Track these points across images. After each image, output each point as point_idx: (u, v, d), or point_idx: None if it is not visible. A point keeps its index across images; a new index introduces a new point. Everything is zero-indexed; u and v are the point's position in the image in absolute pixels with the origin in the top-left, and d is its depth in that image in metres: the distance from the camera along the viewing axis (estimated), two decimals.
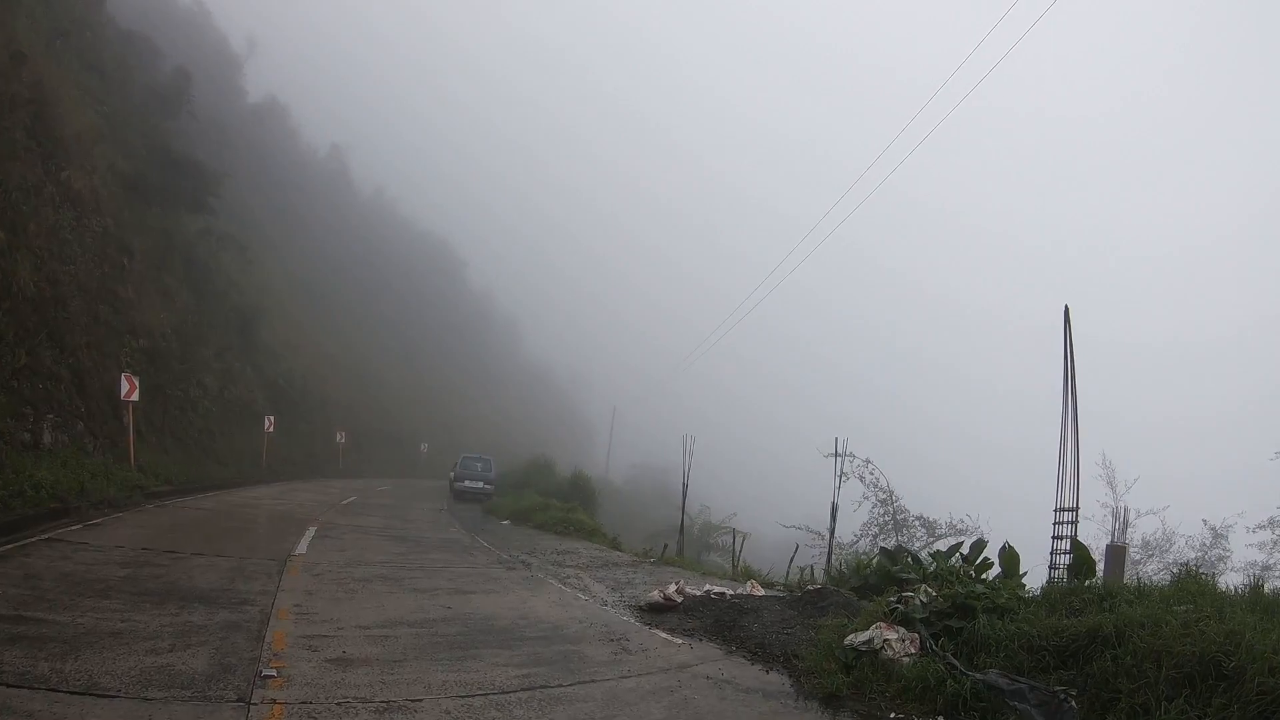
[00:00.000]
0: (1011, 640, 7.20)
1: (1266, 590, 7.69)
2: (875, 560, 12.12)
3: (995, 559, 10.07)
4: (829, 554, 18.15)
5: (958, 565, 9.95)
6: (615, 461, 64.63)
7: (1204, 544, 17.64)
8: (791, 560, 17.42)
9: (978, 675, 6.82)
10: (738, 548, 19.87)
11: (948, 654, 7.27)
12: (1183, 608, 6.75)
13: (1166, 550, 18.55)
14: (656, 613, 10.23)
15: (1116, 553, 11.20)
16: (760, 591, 11.38)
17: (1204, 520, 17.99)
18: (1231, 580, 12.19)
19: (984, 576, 9.50)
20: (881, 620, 7.93)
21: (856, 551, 19.26)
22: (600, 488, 36.12)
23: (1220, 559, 17.50)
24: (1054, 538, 9.42)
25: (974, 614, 7.62)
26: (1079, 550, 9.20)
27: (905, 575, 10.05)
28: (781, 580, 14.21)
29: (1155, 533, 19.30)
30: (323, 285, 61.37)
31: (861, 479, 21.35)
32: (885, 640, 7.58)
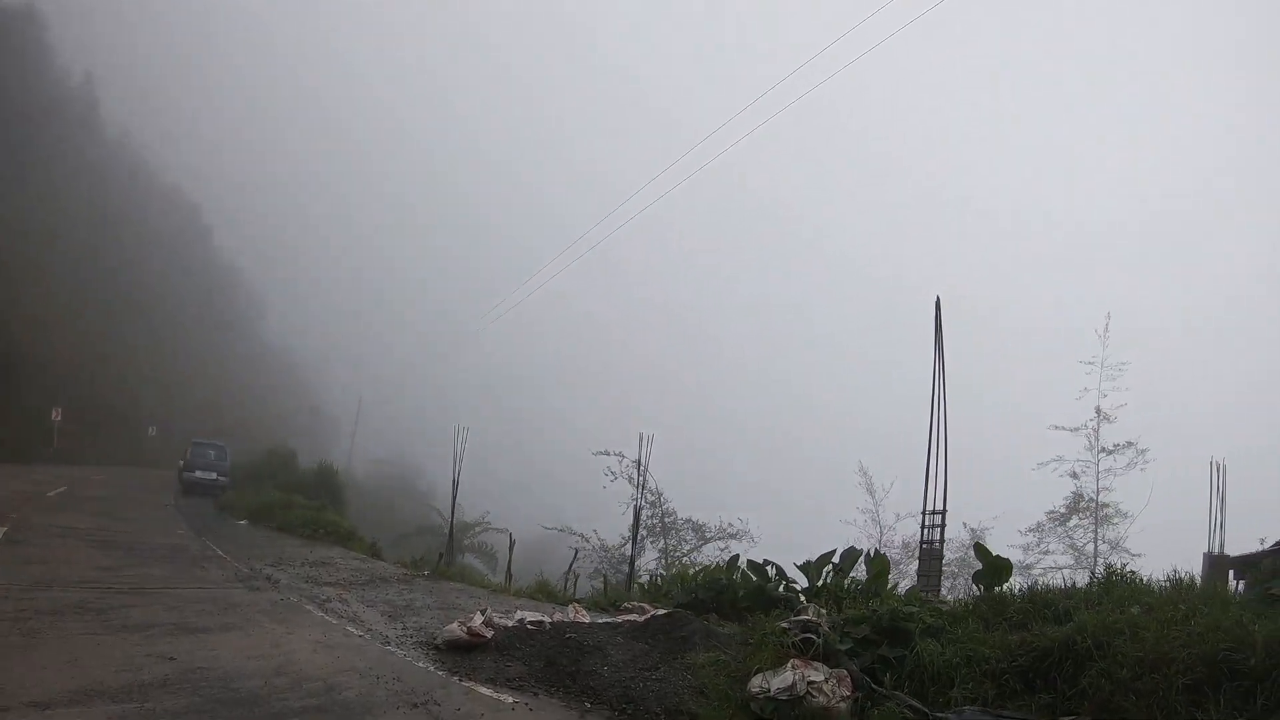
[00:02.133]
0: (964, 667, 5.74)
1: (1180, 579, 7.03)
2: (702, 573, 10.28)
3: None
4: (632, 564, 16.07)
5: (850, 582, 8.40)
6: (360, 454, 56.19)
7: (963, 545, 18.21)
8: (570, 568, 15.17)
9: (950, 717, 5.16)
10: (505, 553, 16.66)
11: (903, 695, 5.57)
12: (1137, 608, 5.99)
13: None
14: (461, 653, 7.42)
15: (925, 553, 10.40)
16: (586, 617, 8.80)
17: (964, 523, 18.65)
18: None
19: (879, 590, 8.05)
20: (793, 655, 5.97)
21: (625, 555, 17.48)
22: (344, 482, 30.54)
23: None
24: (923, 542, 8.31)
25: (910, 639, 6.01)
26: (987, 556, 8.13)
27: (781, 593, 8.28)
28: (561, 588, 12.37)
29: (913, 535, 19.57)
30: (47, 236, 47.19)
31: (630, 480, 19.45)
32: (810, 684, 5.64)
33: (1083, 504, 18.19)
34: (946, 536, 16.41)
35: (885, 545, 18.00)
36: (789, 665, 5.87)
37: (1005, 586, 7.38)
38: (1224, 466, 14.81)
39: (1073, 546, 18.05)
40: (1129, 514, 17.73)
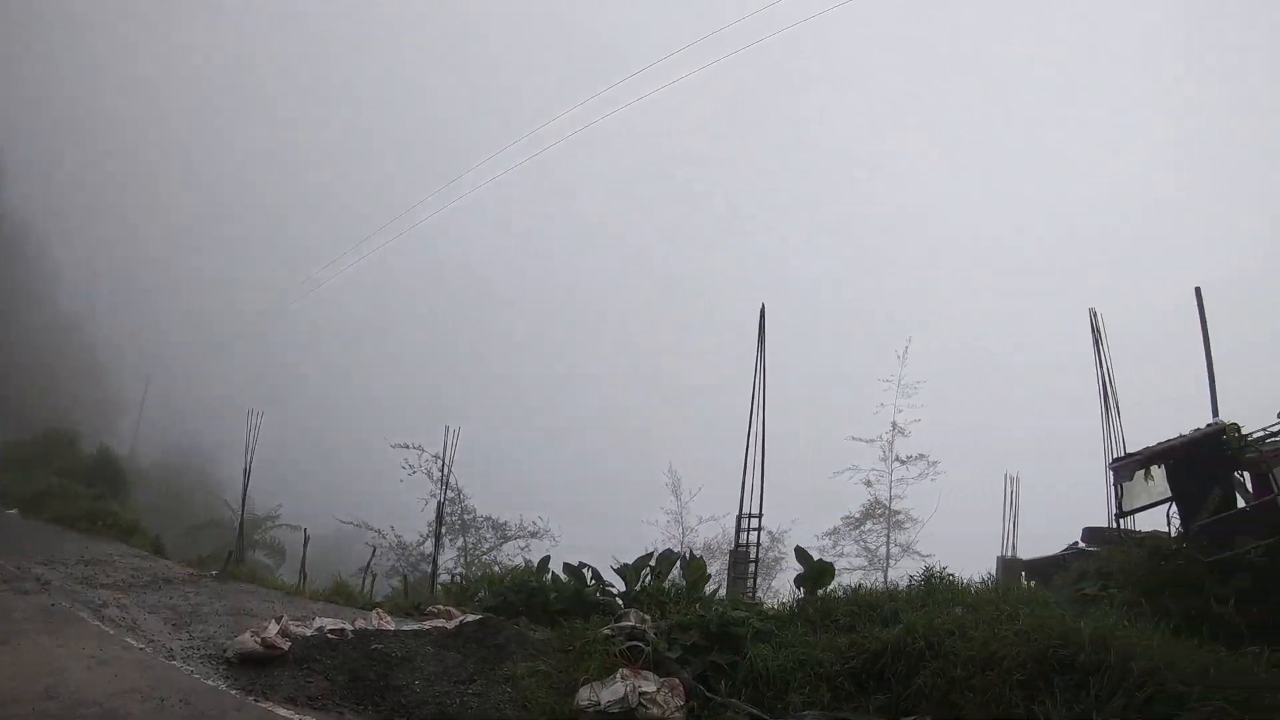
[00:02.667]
0: (798, 671, 5.51)
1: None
2: (511, 575, 9.55)
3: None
4: (435, 564, 15.01)
5: (670, 585, 7.97)
6: (151, 438, 48.20)
7: (764, 545, 18.49)
8: (368, 566, 13.83)
9: None
10: (299, 549, 14.79)
11: (740, 703, 5.24)
12: (960, 608, 6.14)
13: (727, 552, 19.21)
14: (256, 667, 6.31)
15: (735, 556, 10.29)
16: (390, 624, 7.71)
17: (764, 528, 18.91)
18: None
19: (697, 593, 7.69)
20: (622, 664, 5.49)
21: (424, 553, 16.45)
22: (128, 468, 26.21)
23: (777, 560, 18.49)
24: (737, 547, 8.08)
25: (741, 644, 5.69)
26: (809, 560, 7.98)
27: (599, 598, 7.74)
28: (360, 588, 11.37)
29: (716, 537, 18.77)
30: None
31: (430, 475, 18.31)
32: (643, 694, 5.18)
33: (877, 510, 19.09)
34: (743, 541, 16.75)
35: (688, 547, 18.18)
36: (618, 675, 5.39)
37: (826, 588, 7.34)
38: (1017, 479, 16.18)
39: (866, 549, 18.90)
40: (919, 519, 18.83)
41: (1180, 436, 7.57)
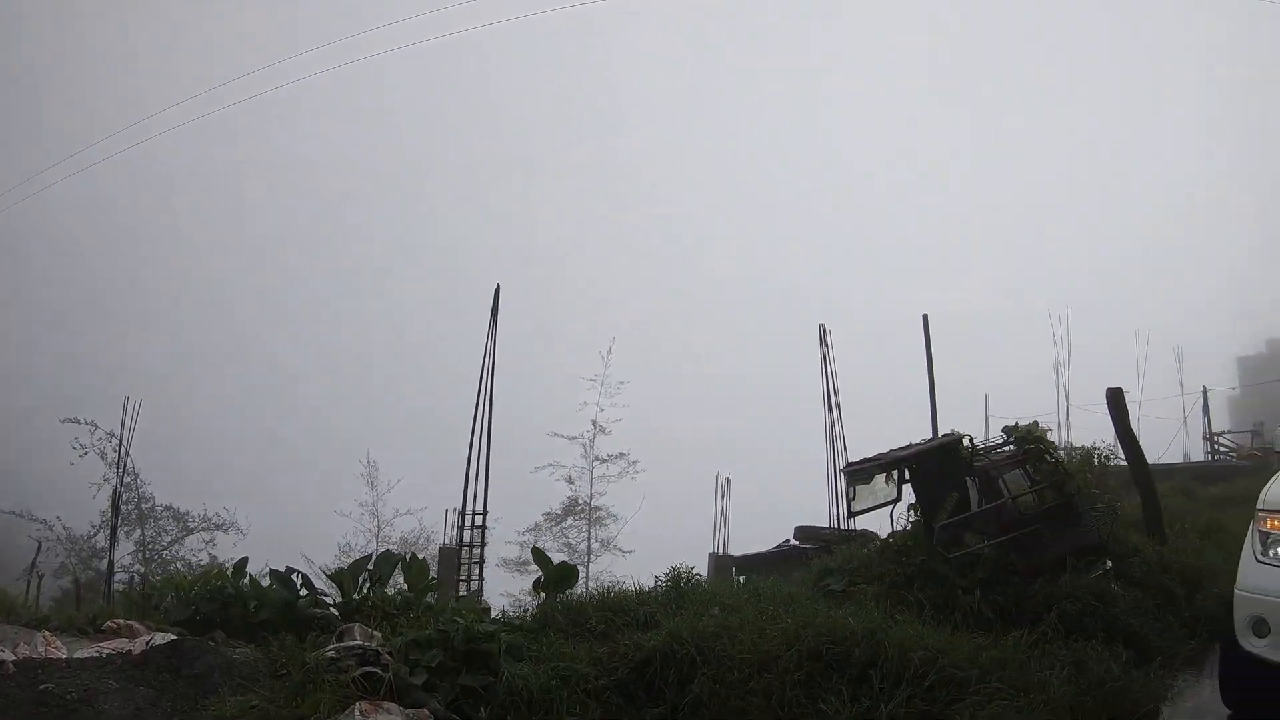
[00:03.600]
0: (561, 688, 4.88)
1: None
2: (202, 580, 7.68)
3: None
4: (110, 566, 11.94)
5: (396, 593, 6.74)
6: None
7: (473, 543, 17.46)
8: (33, 565, 11.19)
9: None
10: None
11: None
12: (717, 609, 5.93)
13: (425, 547, 17.67)
14: None
15: (447, 554, 9.36)
16: (62, 650, 5.54)
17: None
18: None
19: (419, 600, 6.61)
20: (357, 696, 4.41)
21: (96, 547, 13.37)
22: None
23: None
24: (463, 545, 7.29)
25: (493, 661, 4.90)
26: (547, 562, 7.18)
27: (316, 611, 6.33)
28: (24, 597, 9.28)
29: (413, 531, 18.67)
30: None
31: (104, 456, 15.90)
32: None
33: (577, 507, 19.24)
34: (449, 537, 15.76)
35: (385, 541, 17.09)
36: (356, 711, 4.30)
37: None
38: (729, 480, 16.80)
39: (568, 544, 18.78)
40: (620, 516, 19.24)
41: (921, 443, 8.13)
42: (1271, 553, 4.26)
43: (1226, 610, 4.69)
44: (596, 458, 19.30)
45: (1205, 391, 30.80)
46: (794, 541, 12.78)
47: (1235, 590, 4.45)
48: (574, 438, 19.24)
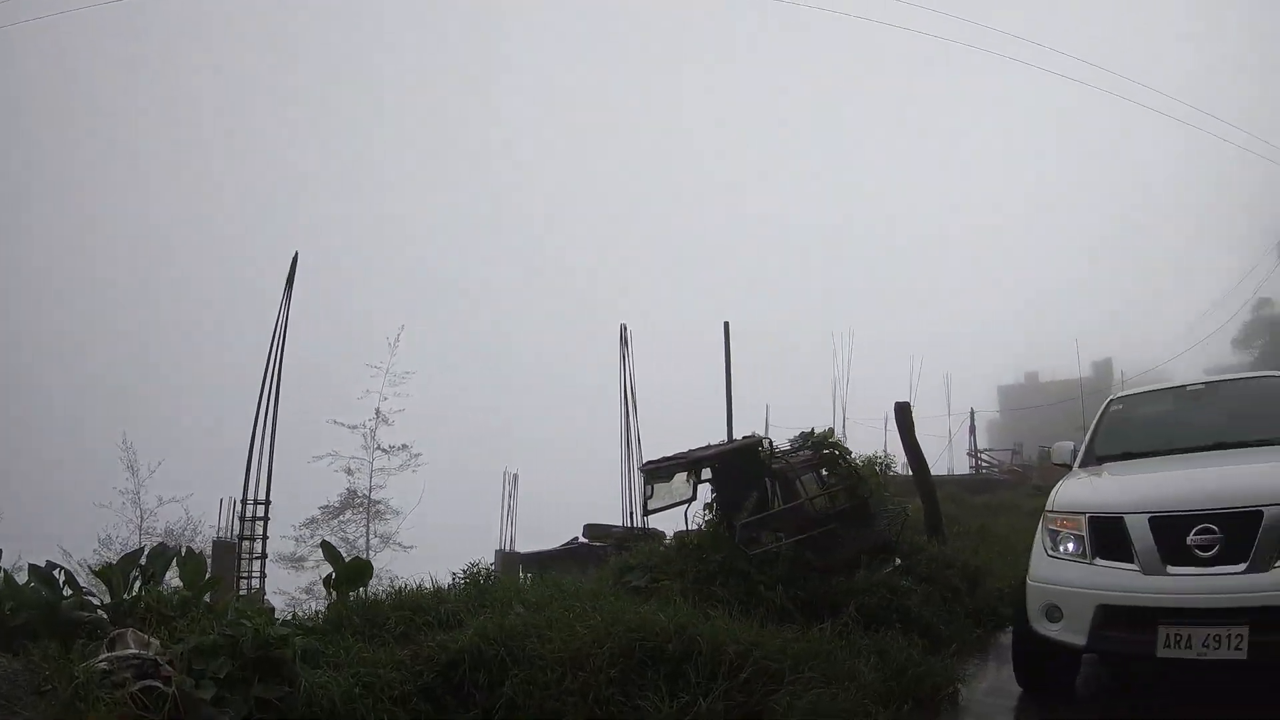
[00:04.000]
0: (366, 696, 4.52)
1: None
2: None
3: None
4: None
5: (173, 593, 5.86)
6: None
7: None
8: None
9: None
10: None
11: None
12: (521, 607, 5.73)
13: (193, 539, 16.15)
14: None
15: (223, 548, 8.61)
16: None
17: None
18: None
19: (198, 600, 5.85)
20: (136, 711, 3.85)
21: None
22: None
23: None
24: (243, 537, 6.72)
25: (289, 669, 4.44)
26: (338, 557, 6.56)
27: (82, 613, 5.41)
28: None
29: (179, 521, 17.34)
30: None
31: None
32: None
33: (356, 499, 18.63)
34: (221, 528, 14.57)
35: (149, 534, 15.85)
36: None
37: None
38: (516, 476, 16.39)
39: (346, 539, 18.01)
40: (400, 511, 18.72)
41: (722, 444, 8.23)
42: (1061, 548, 4.84)
43: (1015, 600, 5.37)
44: (378, 448, 18.59)
45: (973, 414, 34.11)
46: (583, 539, 12.81)
47: (1028, 581, 5.06)
48: (355, 427, 18.47)
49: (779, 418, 16.44)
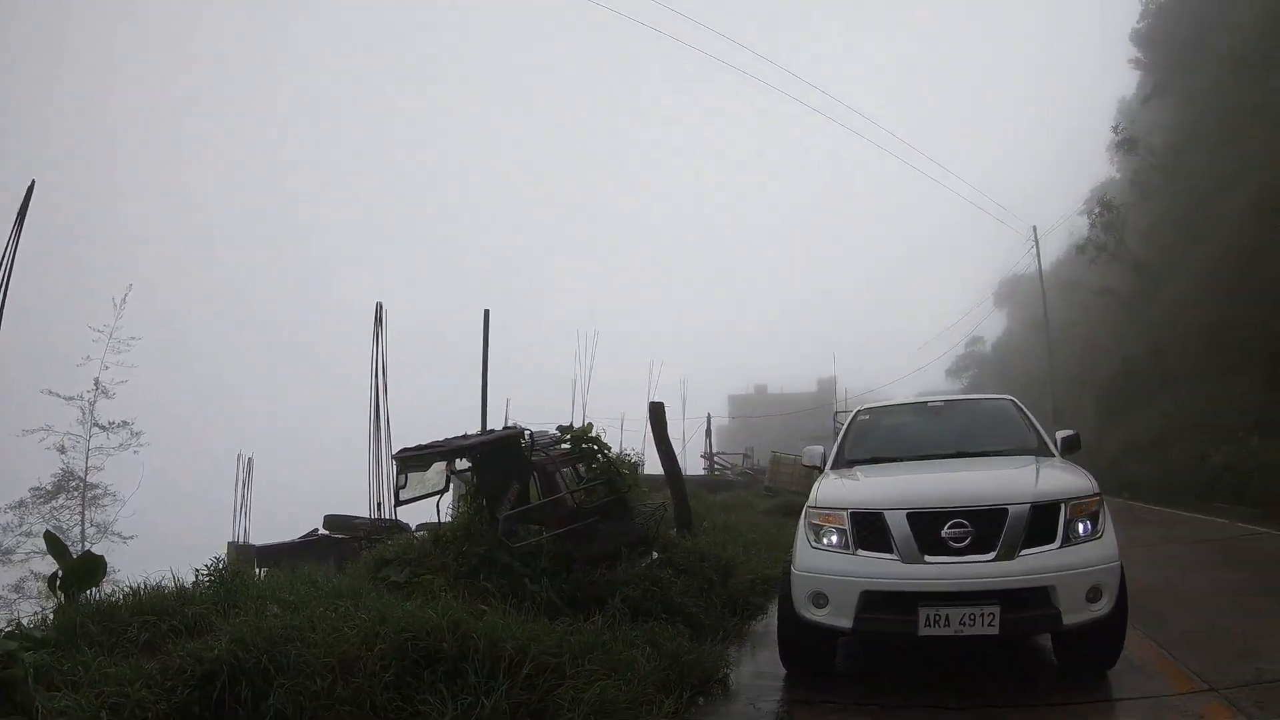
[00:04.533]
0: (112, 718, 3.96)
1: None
2: None
3: None
4: None
5: None
6: None
7: None
8: None
9: None
10: None
11: None
12: (276, 608, 5.22)
13: None
14: None
15: None
16: None
17: None
18: None
19: None
20: None
21: None
22: None
23: None
24: None
25: (20, 691, 3.87)
26: (63, 551, 5.60)
27: None
28: None
29: None
30: None
31: None
32: None
33: (72, 482, 16.40)
34: None
35: None
36: None
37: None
38: (251, 460, 14.74)
39: (61, 527, 15.61)
40: (121, 497, 16.60)
41: (483, 433, 8.12)
42: (825, 541, 5.25)
43: (781, 588, 5.78)
44: (96, 424, 16.40)
45: (710, 418, 36.23)
46: (323, 531, 12.10)
47: (793, 571, 5.43)
48: (72, 398, 16.20)
49: (520, 413, 16.43)
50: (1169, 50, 35.42)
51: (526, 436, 7.81)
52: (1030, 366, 43.56)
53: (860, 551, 5.05)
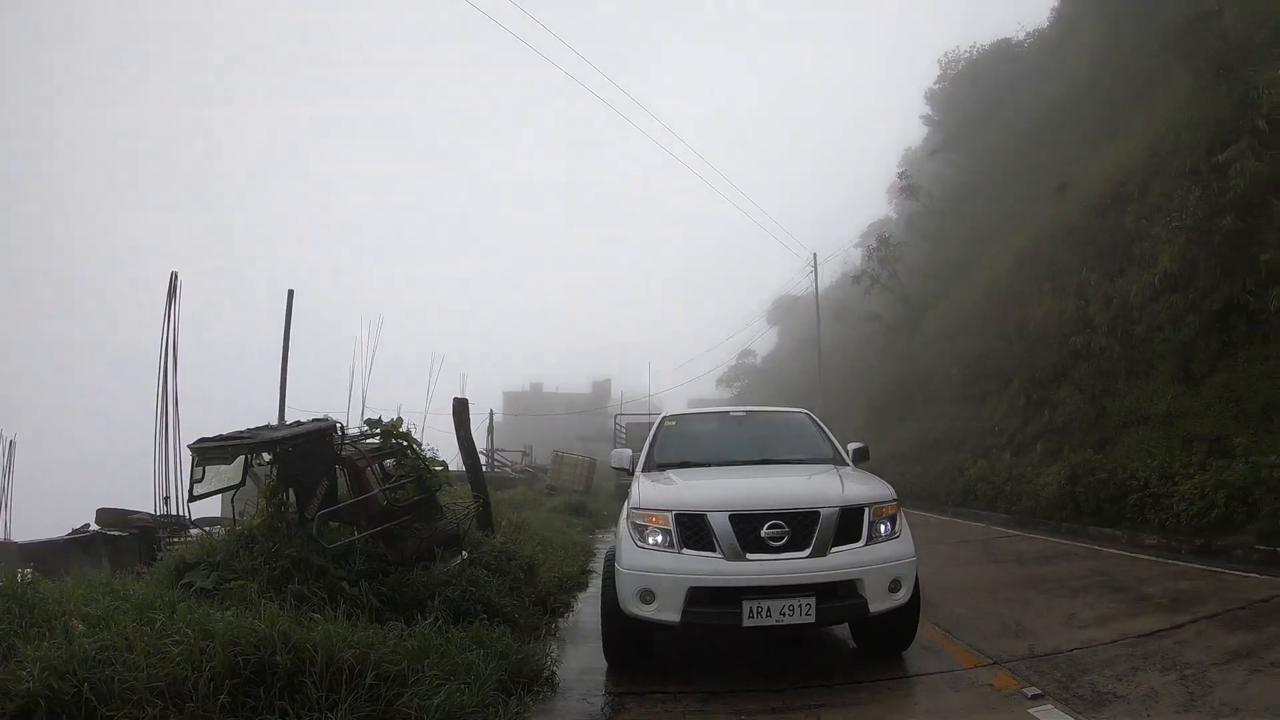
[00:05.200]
0: None
1: None
2: None
3: None
4: None
5: None
6: None
7: None
8: None
9: None
10: None
11: None
12: (80, 624, 4.74)
13: None
14: None
15: None
16: None
17: None
18: None
19: None
20: None
21: None
22: None
23: None
24: None
25: None
26: None
27: None
28: None
29: None
30: None
31: None
32: None
33: None
34: None
35: None
36: None
37: None
38: (13, 444, 12.72)
39: None
40: None
41: (294, 424, 7.54)
42: (651, 540, 5.48)
43: (605, 586, 5.88)
44: None
45: (492, 414, 36.03)
46: (95, 527, 10.95)
47: (619, 569, 5.61)
48: None
49: (296, 400, 15.48)
50: (958, 113, 39.19)
51: (338, 430, 7.42)
52: (798, 381, 47.25)
53: (686, 550, 5.33)
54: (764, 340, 65.99)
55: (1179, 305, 13.44)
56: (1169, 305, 13.76)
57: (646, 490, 5.96)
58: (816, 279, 40.73)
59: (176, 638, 4.29)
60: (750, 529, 5.28)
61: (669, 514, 5.46)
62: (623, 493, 30.64)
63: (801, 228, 68.67)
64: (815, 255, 40.53)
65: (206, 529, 8.64)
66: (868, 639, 6.14)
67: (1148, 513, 11.29)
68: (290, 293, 12.12)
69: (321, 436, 7.16)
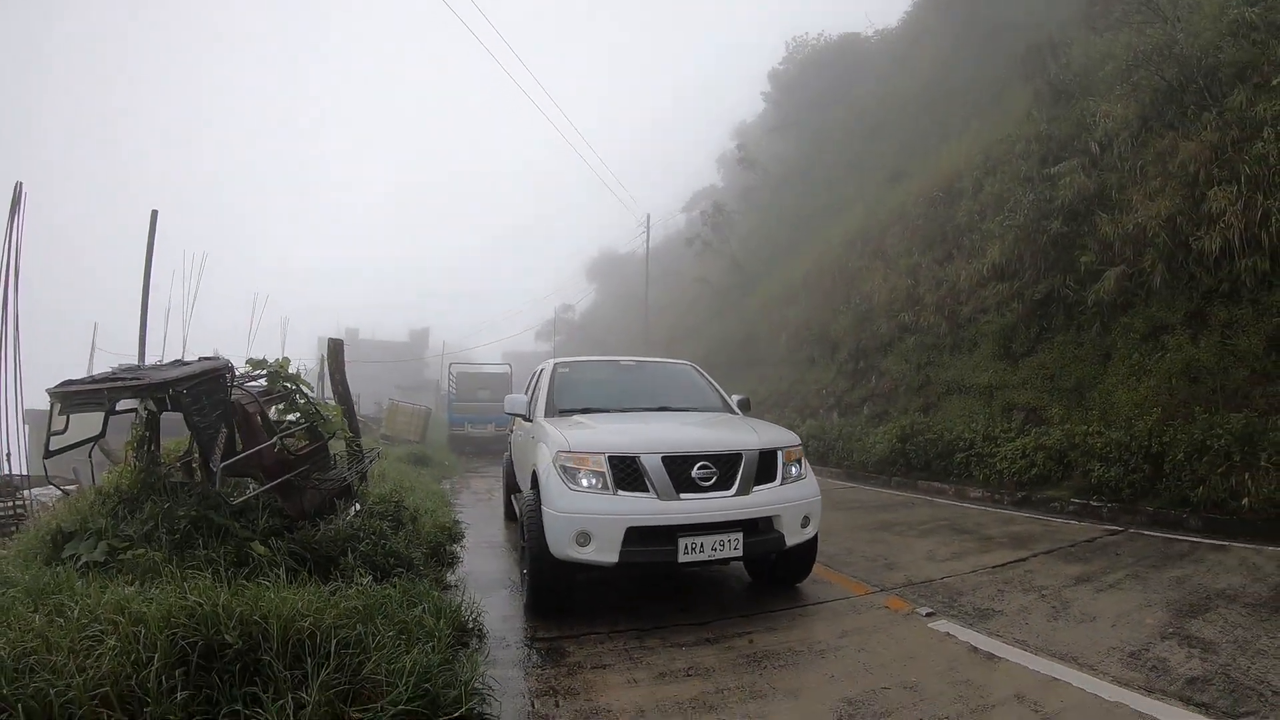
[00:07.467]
0: None
1: None
2: None
3: None
4: None
5: None
6: None
7: None
8: None
9: None
10: None
11: None
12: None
13: None
14: None
15: None
16: None
17: None
18: None
19: None
20: None
21: None
22: None
23: None
24: None
25: None
26: None
27: None
28: None
29: None
30: None
31: None
32: None
33: None
34: None
35: None
36: None
37: None
38: None
39: None
40: None
41: (187, 364, 6.46)
42: (585, 483, 5.52)
43: (532, 531, 5.76)
44: None
45: (322, 360, 34.53)
46: None
47: (549, 512, 5.56)
48: None
49: (107, 339, 13.66)
50: (800, 95, 40.53)
51: (230, 372, 6.60)
52: (616, 337, 48.04)
53: (621, 492, 5.43)
54: (584, 296, 66.57)
55: (1004, 293, 14.68)
56: (995, 292, 15.01)
57: (572, 433, 5.94)
58: (648, 240, 41.55)
59: (100, 628, 3.69)
60: (682, 470, 5.48)
61: (602, 456, 5.53)
62: (464, 442, 30.22)
63: (632, 189, 69.56)
64: (649, 216, 41.43)
65: (64, 489, 7.67)
66: (767, 574, 6.57)
67: (973, 469, 12.46)
68: (154, 213, 10.80)
69: (218, 379, 6.31)
